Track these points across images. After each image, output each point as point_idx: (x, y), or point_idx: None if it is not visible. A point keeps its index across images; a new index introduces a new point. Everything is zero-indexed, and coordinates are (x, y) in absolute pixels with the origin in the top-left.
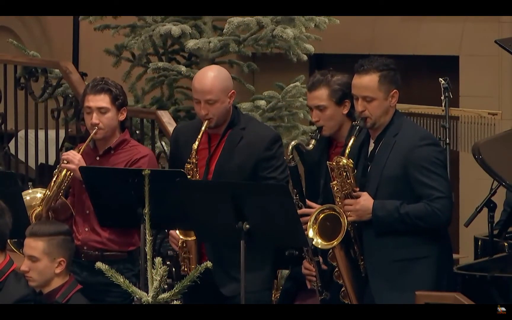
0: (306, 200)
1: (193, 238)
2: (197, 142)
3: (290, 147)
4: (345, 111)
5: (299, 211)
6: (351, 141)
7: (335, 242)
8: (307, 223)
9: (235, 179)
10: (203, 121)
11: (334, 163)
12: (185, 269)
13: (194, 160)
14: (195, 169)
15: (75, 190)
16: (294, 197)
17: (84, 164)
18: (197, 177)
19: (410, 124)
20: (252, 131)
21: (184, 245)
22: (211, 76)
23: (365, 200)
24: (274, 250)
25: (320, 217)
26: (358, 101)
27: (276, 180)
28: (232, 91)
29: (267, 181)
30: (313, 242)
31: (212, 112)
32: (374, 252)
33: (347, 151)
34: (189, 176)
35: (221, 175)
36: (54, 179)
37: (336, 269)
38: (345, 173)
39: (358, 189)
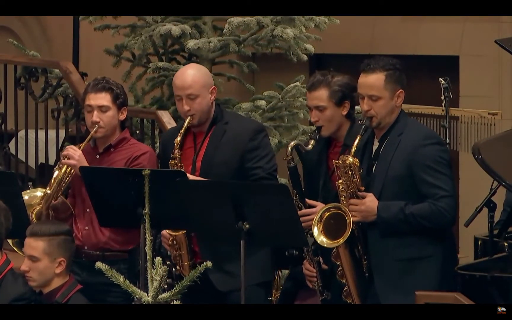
0: (306, 199)
1: (182, 232)
2: (179, 137)
3: (290, 148)
4: (345, 112)
5: (300, 212)
6: (357, 140)
7: (341, 241)
8: (307, 222)
9: (222, 174)
10: (185, 118)
11: (340, 162)
12: (178, 268)
13: (177, 155)
14: (179, 164)
15: (75, 190)
16: (294, 198)
17: (84, 160)
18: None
19: (414, 123)
20: (235, 124)
21: (175, 242)
22: (191, 73)
23: (371, 202)
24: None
25: (326, 216)
26: (364, 100)
27: (262, 169)
28: (213, 87)
29: (253, 171)
30: (318, 241)
31: (194, 107)
32: (378, 252)
33: (353, 150)
34: None
35: (208, 171)
36: (54, 176)
37: (340, 268)
38: (350, 172)
39: (363, 188)
